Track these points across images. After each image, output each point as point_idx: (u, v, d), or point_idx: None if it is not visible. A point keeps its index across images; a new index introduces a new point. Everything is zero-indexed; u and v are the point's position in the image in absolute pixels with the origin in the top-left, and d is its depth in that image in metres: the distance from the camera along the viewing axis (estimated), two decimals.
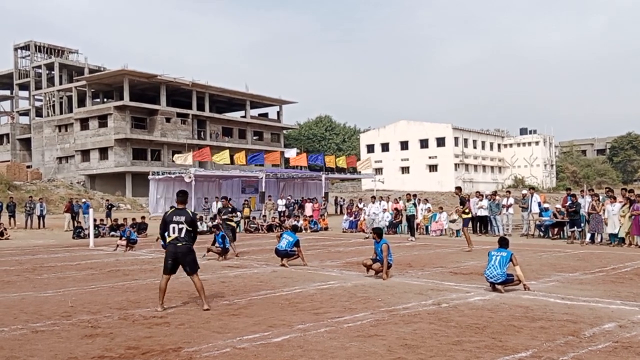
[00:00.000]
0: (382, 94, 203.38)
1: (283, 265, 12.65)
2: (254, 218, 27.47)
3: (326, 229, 27.43)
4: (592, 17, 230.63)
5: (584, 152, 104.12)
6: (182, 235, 7.91)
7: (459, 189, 18.37)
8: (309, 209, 29.83)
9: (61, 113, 68.39)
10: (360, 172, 49.55)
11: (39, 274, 12.16)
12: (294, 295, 9.11)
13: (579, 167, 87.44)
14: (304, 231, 25.25)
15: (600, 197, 18.09)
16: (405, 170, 77.64)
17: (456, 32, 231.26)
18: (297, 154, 39.88)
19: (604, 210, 17.37)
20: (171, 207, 8.29)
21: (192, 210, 8.43)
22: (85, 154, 62.60)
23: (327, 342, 6.09)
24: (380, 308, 7.90)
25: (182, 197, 8.26)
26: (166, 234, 8.05)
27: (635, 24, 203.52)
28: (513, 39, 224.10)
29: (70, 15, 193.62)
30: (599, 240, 17.76)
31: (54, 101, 69.61)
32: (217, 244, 14.57)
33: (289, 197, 33.27)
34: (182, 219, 7.93)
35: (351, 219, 26.76)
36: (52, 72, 70.83)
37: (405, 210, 21.17)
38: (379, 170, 74.25)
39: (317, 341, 6.12)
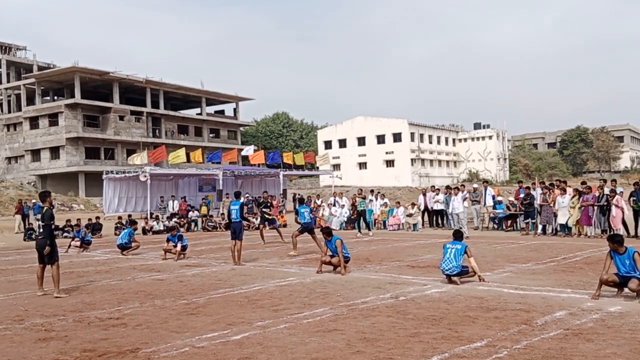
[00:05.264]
0: (339, 91, 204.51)
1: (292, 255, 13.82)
2: (211, 216, 27.23)
3: (285, 225, 27.39)
4: (544, 14, 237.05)
5: (535, 145, 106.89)
6: None
7: (265, 192, 22.77)
8: None
9: (9, 112, 66.19)
10: (318, 167, 49.62)
11: None
12: (253, 292, 9.09)
13: (531, 160, 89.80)
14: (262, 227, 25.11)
15: (557, 190, 18.45)
16: (362, 165, 78.20)
17: (413, 29, 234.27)
18: (255, 151, 39.63)
19: (554, 202, 17.86)
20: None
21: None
22: (36, 153, 60.76)
23: (287, 338, 6.11)
24: (339, 303, 7.96)
25: None
26: None
27: (582, 20, 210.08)
28: (468, 35, 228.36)
29: (18, 11, 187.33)
30: (550, 231, 18.27)
31: (1, 99, 67.32)
32: (172, 243, 14.48)
33: (247, 195, 33.04)
34: None
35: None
36: None
37: (356, 204, 21.74)
38: (336, 167, 74.60)
39: (276, 337, 6.14)
